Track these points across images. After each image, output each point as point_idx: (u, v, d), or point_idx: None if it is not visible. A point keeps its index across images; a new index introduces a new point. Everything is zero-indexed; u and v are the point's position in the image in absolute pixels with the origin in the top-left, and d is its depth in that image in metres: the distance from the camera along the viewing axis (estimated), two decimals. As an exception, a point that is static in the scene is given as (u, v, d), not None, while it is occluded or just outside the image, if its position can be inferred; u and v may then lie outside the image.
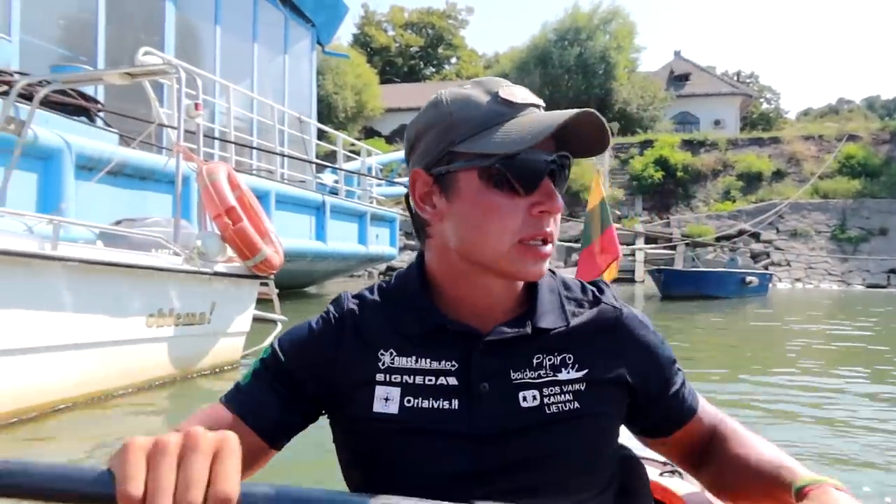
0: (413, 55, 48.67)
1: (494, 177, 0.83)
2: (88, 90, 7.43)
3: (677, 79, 36.97)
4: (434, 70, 48.83)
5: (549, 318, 0.90)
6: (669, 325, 10.24)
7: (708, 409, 0.99)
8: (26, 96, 5.42)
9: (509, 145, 0.81)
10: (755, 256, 22.28)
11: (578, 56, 31.39)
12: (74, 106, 6.76)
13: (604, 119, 0.83)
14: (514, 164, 0.82)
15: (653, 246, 22.18)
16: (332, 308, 0.94)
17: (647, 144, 27.34)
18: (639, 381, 0.93)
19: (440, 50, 49.45)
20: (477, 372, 0.86)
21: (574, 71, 31.47)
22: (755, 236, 22.93)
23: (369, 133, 34.39)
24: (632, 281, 21.33)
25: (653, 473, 1.31)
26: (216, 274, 4.76)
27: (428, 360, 0.87)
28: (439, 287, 0.91)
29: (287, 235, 8.89)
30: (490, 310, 0.90)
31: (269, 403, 0.88)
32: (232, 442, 0.60)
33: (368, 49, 45.06)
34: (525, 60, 32.95)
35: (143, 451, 0.59)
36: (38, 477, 0.58)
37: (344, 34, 50.84)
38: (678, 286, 15.16)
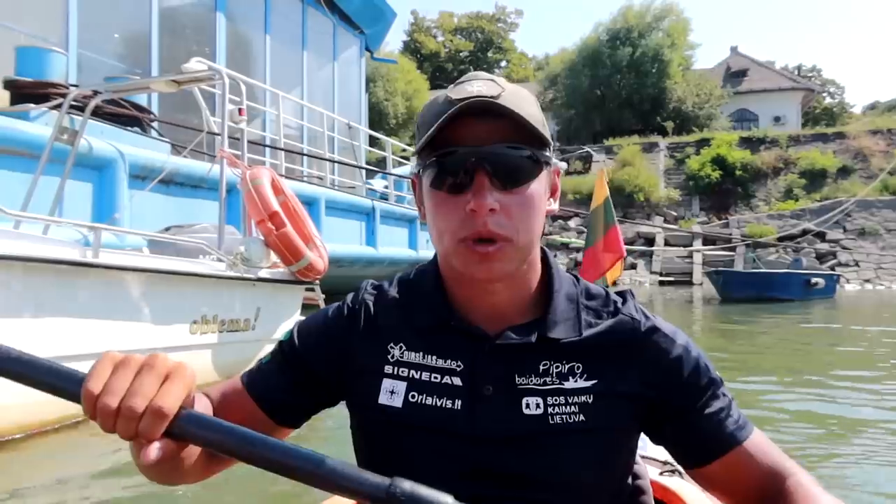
0: (463, 60, 48.71)
1: (432, 177, 0.83)
2: (141, 100, 7.60)
3: (734, 75, 35.94)
4: (484, 74, 48.73)
5: (560, 328, 0.87)
6: (729, 329, 9.85)
7: (768, 451, 0.85)
8: (81, 108, 5.54)
9: (421, 144, 0.82)
10: (821, 257, 21.34)
11: (631, 55, 30.80)
12: (127, 116, 6.91)
13: (508, 107, 0.78)
14: (443, 162, 0.80)
15: (711, 247, 21.50)
16: (349, 298, 0.96)
17: (703, 143, 26.58)
18: (658, 397, 0.85)
19: (490, 54, 49.38)
20: (481, 374, 0.85)
21: (626, 71, 30.89)
22: (820, 236, 21.96)
23: (420, 139, 34.56)
24: (689, 283, 20.71)
25: (653, 473, 1.30)
26: (260, 280, 4.73)
27: (435, 358, 0.87)
28: (450, 286, 0.91)
29: (338, 241, 8.92)
30: (497, 312, 0.88)
31: (276, 382, 0.92)
32: (184, 370, 0.71)
33: (418, 55, 45.35)
34: (575, 61, 32.56)
35: (113, 362, 0.69)
36: (33, 367, 0.69)
37: (394, 41, 51.39)
38: (738, 288, 14.62)
